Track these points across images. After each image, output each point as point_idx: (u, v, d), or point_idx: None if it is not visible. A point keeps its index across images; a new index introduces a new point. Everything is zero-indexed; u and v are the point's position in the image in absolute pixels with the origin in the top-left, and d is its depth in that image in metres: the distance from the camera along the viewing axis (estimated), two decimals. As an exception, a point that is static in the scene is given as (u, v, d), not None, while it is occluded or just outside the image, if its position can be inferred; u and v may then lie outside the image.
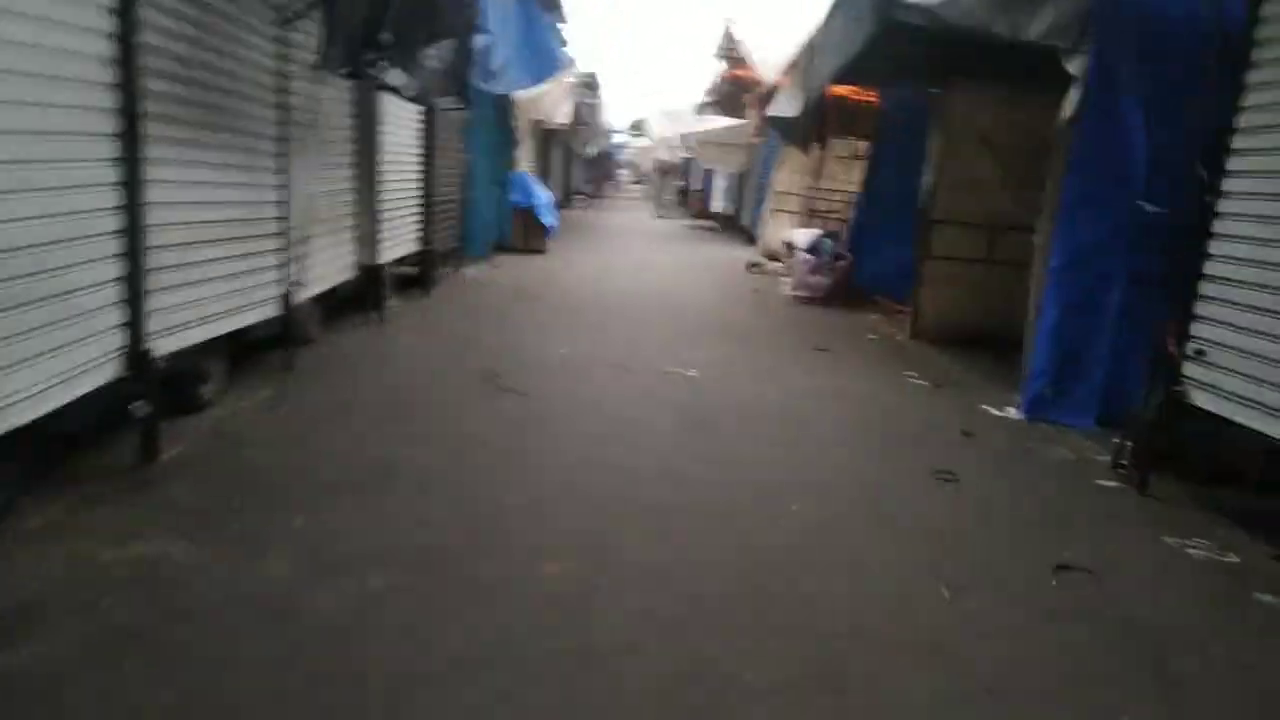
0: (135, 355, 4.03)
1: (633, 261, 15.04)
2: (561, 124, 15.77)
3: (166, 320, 4.30)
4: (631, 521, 3.89)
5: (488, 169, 12.70)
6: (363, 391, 5.69)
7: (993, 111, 8.44)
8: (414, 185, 8.84)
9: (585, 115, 19.91)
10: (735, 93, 15.06)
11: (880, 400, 6.41)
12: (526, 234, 14.86)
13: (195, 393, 4.96)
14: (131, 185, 3.90)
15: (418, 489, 4.11)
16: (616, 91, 75.05)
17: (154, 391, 4.14)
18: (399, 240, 8.40)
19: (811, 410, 5.98)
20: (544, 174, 20.43)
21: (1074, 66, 5.70)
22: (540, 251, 14.87)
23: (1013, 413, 6.14)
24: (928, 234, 8.71)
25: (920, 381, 7.03)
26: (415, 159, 8.82)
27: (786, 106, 9.23)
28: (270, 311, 5.57)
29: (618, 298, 10.38)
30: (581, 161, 32.38)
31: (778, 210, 16.40)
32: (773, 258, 16.13)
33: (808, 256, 10.71)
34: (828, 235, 11.11)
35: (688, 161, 34.06)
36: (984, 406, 6.31)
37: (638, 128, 40.30)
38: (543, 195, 14.70)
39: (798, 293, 10.89)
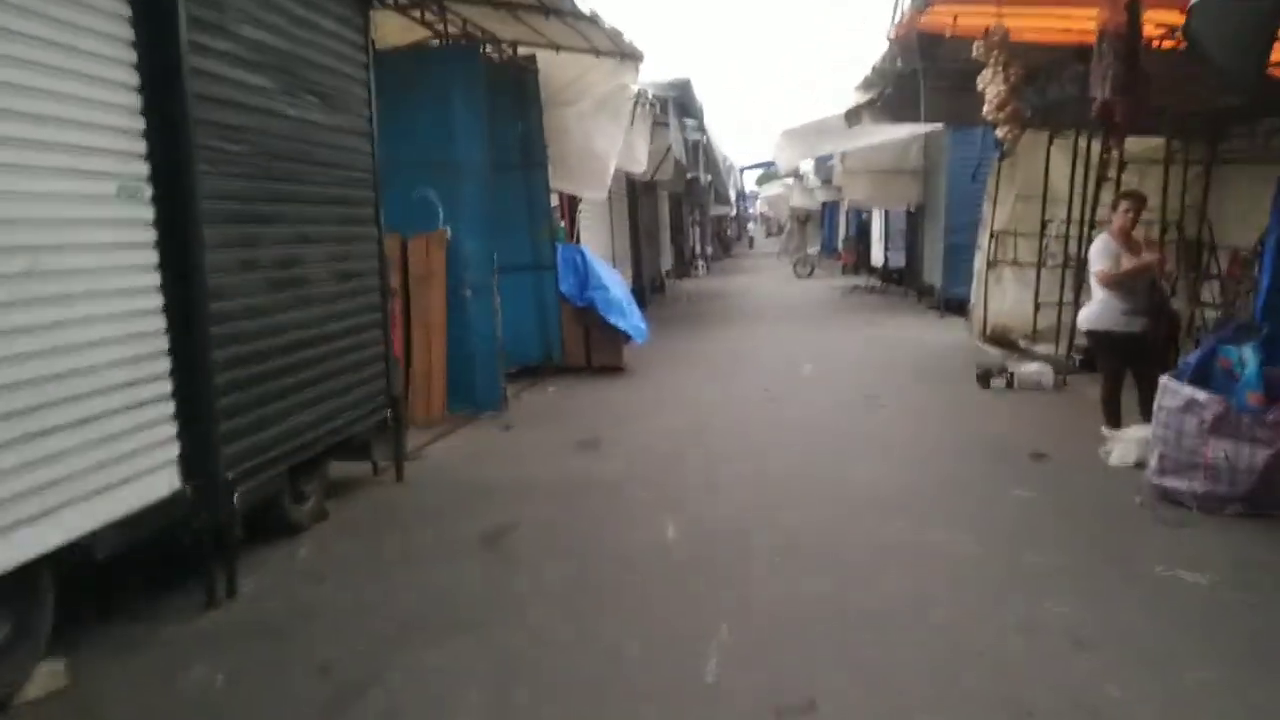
0: None
1: (769, 372, 8.95)
2: (638, 171, 10.08)
3: None
4: None
5: (487, 246, 6.98)
6: None
7: None
8: (119, 332, 3.19)
9: (688, 153, 14.21)
10: (912, 76, 8.50)
11: None
12: (589, 344, 9.11)
13: None
14: None
15: None
16: (739, 127, 69.04)
17: None
18: None
19: None
20: (636, 240, 14.78)
21: None
22: (616, 368, 9.09)
23: None
24: None
25: None
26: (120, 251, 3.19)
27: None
28: None
29: (735, 522, 4.36)
30: (699, 217, 26.69)
31: (1001, 263, 9.89)
32: (1006, 343, 9.61)
33: (1198, 396, 4.25)
34: (1239, 329, 4.56)
35: (826, 207, 27.72)
36: None
37: (768, 176, 34.32)
38: (609, 281, 8.94)
39: (1175, 484, 4.39)
